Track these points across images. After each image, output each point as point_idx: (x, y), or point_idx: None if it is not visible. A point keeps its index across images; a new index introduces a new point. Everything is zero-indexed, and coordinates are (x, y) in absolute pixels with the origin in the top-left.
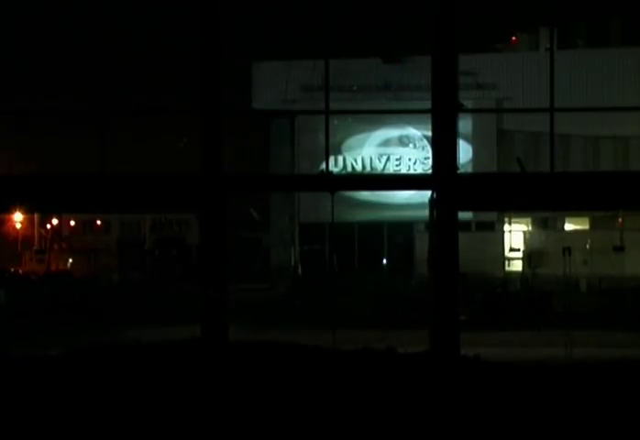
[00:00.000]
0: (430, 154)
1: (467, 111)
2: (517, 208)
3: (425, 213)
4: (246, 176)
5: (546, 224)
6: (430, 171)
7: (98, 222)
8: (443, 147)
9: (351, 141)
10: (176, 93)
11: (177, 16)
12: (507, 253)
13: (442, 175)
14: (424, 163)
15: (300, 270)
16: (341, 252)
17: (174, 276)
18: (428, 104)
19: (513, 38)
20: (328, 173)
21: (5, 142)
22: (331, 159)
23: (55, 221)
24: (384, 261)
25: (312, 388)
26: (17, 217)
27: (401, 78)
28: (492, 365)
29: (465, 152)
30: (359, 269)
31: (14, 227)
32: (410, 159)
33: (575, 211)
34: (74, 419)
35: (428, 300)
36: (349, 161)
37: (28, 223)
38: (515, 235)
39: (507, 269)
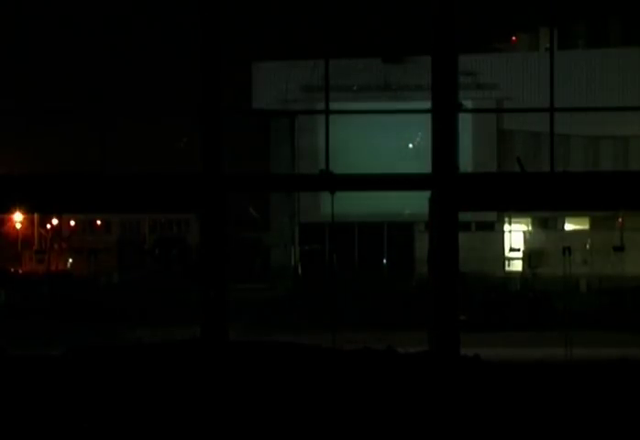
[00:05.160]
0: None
1: (467, 111)
2: (517, 208)
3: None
4: (246, 176)
5: (546, 224)
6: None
7: (98, 222)
8: (443, 147)
9: (351, 141)
10: (176, 94)
11: (177, 15)
12: (507, 253)
13: (442, 175)
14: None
15: (300, 270)
16: (341, 252)
17: (174, 276)
18: (428, 104)
19: (513, 38)
20: (328, 173)
21: (5, 142)
22: (331, 159)
23: (55, 221)
24: (384, 261)
25: (312, 388)
26: (17, 217)
27: (401, 78)
28: (492, 365)
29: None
30: (359, 269)
31: (14, 227)
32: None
33: (575, 211)
34: (74, 419)
35: (428, 300)
36: (349, 161)
37: (28, 223)
38: (515, 235)
39: (507, 269)
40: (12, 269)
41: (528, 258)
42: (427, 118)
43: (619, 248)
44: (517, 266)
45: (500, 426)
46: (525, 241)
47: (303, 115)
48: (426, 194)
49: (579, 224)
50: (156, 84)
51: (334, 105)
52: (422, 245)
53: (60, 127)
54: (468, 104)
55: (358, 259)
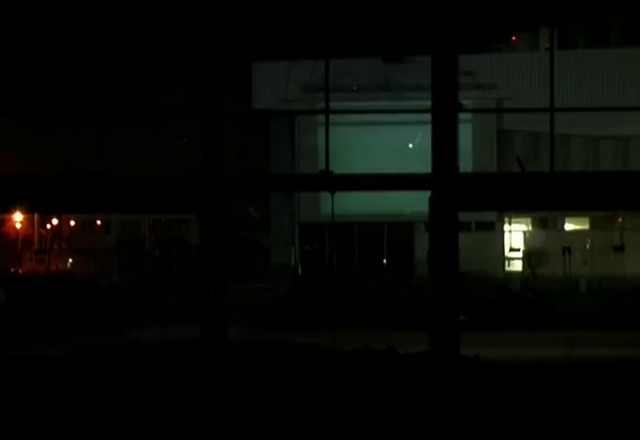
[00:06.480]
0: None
1: (467, 111)
2: (517, 208)
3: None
4: (246, 176)
5: (546, 224)
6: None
7: (98, 222)
8: (443, 147)
9: (351, 141)
10: (176, 93)
11: (177, 15)
12: (507, 253)
13: (442, 175)
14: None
15: (300, 270)
16: (341, 252)
17: (174, 276)
18: (428, 104)
19: (513, 38)
20: (328, 173)
21: (5, 142)
22: (331, 159)
23: (55, 221)
24: (384, 261)
25: (312, 388)
26: (17, 217)
27: (401, 78)
28: (492, 365)
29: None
30: (359, 269)
31: (14, 227)
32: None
33: (575, 211)
34: (74, 419)
35: (428, 300)
36: (349, 161)
37: (28, 223)
38: (515, 235)
39: (507, 269)
40: (12, 270)
41: (528, 258)
42: (427, 118)
43: (619, 248)
44: (517, 266)
45: (499, 426)
46: (525, 241)
47: (303, 115)
48: (426, 194)
49: (579, 224)
50: (156, 84)
51: (334, 105)
52: (422, 245)
53: (59, 127)
54: (468, 104)
55: (358, 259)
